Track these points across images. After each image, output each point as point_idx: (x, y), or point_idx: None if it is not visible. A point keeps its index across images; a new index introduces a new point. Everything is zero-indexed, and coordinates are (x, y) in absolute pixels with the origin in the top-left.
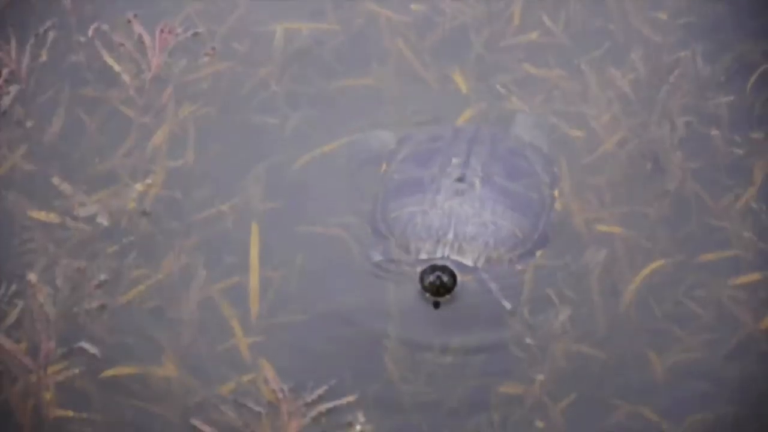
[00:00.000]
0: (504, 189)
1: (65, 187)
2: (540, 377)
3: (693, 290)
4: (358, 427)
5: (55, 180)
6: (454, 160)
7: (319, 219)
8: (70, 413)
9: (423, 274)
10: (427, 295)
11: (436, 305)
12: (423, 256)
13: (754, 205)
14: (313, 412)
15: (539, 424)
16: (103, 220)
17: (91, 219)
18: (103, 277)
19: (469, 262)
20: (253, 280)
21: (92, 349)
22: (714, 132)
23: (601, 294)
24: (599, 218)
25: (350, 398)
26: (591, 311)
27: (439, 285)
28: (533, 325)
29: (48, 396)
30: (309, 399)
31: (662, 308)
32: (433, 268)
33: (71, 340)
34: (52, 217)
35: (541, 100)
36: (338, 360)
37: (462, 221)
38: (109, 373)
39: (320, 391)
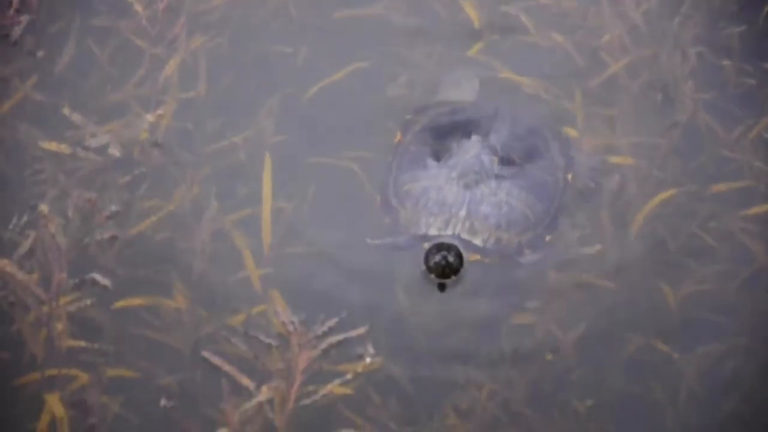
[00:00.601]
0: (521, 170)
1: (76, 118)
2: (549, 308)
3: (705, 222)
4: (368, 359)
5: (66, 110)
6: (474, 136)
7: (331, 151)
8: (82, 343)
9: (428, 254)
10: (432, 276)
11: (442, 287)
12: (432, 231)
13: (767, 136)
14: (324, 345)
15: (548, 356)
16: (115, 151)
17: (102, 149)
18: (114, 208)
19: (478, 242)
20: (266, 211)
21: (104, 281)
22: (726, 62)
23: (612, 225)
24: (610, 149)
25: (360, 330)
26: (602, 242)
27: (445, 265)
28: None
29: (60, 326)
30: (319, 331)
31: (674, 240)
32: (439, 248)
33: (83, 271)
34: (63, 148)
35: (554, 30)
36: (349, 292)
37: (477, 199)
38: (121, 303)
39: (331, 323)
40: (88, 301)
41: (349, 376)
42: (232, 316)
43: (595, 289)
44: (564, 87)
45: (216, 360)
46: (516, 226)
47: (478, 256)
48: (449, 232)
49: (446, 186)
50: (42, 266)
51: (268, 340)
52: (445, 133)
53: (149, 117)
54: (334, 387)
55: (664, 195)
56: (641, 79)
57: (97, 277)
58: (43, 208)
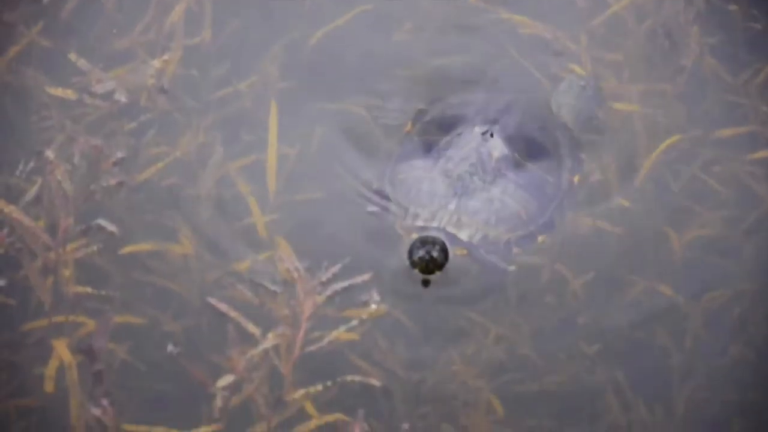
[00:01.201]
0: (520, 167)
1: (82, 64)
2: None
3: (710, 166)
4: (373, 306)
5: (72, 56)
6: (477, 129)
7: (336, 97)
8: (89, 289)
9: (412, 248)
10: (416, 271)
11: (426, 283)
12: (419, 222)
13: None
14: (329, 291)
15: (550, 299)
16: (121, 97)
17: (108, 95)
18: (120, 154)
19: (464, 237)
20: (271, 158)
21: (110, 227)
22: (732, 7)
23: (618, 169)
24: (617, 96)
25: (365, 276)
26: (607, 187)
27: (429, 260)
28: None
29: (67, 273)
30: (324, 278)
31: (679, 184)
32: (423, 242)
33: (89, 217)
34: (70, 94)
35: None
36: (355, 238)
37: (468, 193)
38: (127, 249)
39: (335, 269)
40: (95, 248)
41: (354, 323)
42: (238, 262)
43: (600, 233)
44: (569, 30)
45: (222, 307)
46: (506, 223)
47: (464, 251)
48: (435, 224)
49: (440, 177)
50: (48, 213)
51: (273, 287)
52: (452, 124)
53: (155, 63)
54: (340, 333)
55: (669, 140)
56: (646, 24)
57: (104, 223)
58: (50, 154)
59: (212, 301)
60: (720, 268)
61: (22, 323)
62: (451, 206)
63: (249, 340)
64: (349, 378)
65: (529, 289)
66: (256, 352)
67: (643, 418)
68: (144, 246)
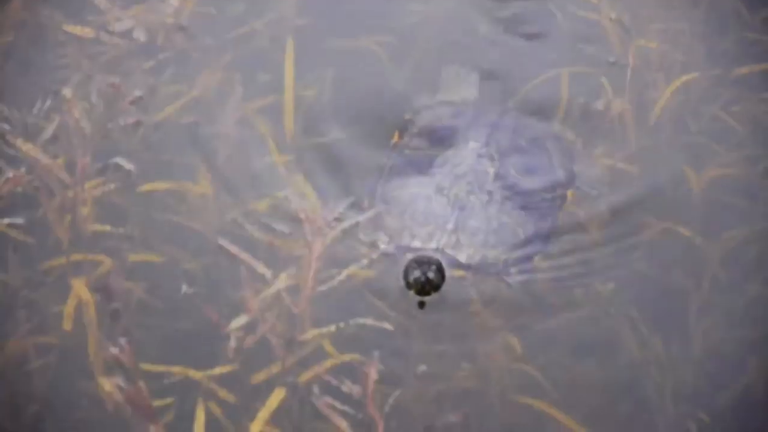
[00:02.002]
0: (517, 184)
1: (100, 2)
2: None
3: (729, 105)
4: (381, 246)
5: None
6: (472, 144)
7: (353, 34)
8: (107, 228)
9: (407, 270)
10: (411, 292)
11: (422, 305)
12: (416, 243)
13: None
14: (337, 231)
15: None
16: (139, 35)
17: (126, 34)
18: (138, 93)
19: (462, 259)
20: (288, 98)
21: (128, 165)
22: None
23: (634, 107)
24: (635, 34)
25: (371, 213)
26: (623, 124)
27: (425, 282)
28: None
29: (85, 211)
30: (332, 217)
31: (697, 123)
32: (419, 263)
33: (107, 155)
34: (87, 32)
35: None
36: (372, 180)
37: (466, 213)
38: (145, 188)
39: (342, 207)
40: (113, 186)
41: (365, 262)
42: (256, 201)
43: (616, 172)
44: None
45: (233, 248)
46: (504, 243)
47: (462, 272)
48: (433, 245)
49: (435, 196)
50: (66, 151)
51: (284, 228)
52: (443, 137)
53: (173, 1)
54: (351, 271)
55: (687, 77)
56: None
57: (121, 161)
58: (67, 92)
59: (223, 242)
60: (738, 207)
61: (41, 261)
62: (449, 226)
63: (262, 280)
64: (361, 320)
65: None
66: (268, 292)
67: (659, 356)
68: (162, 185)
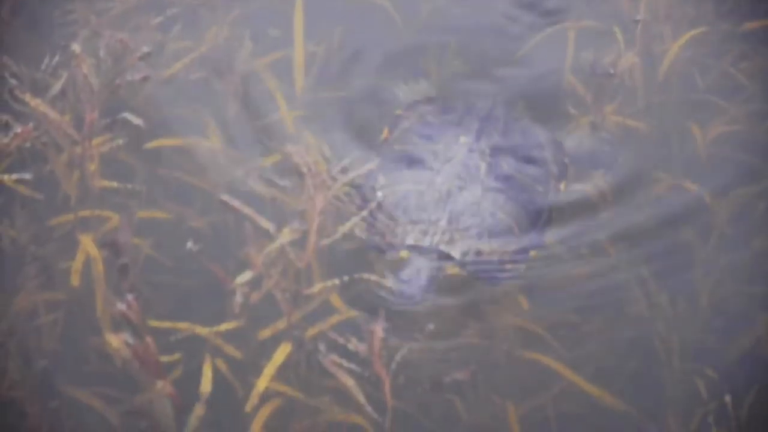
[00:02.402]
0: (510, 177)
1: None
2: None
3: (737, 61)
4: (379, 194)
5: None
6: (462, 139)
7: None
8: (115, 184)
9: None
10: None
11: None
12: (410, 241)
13: None
14: (340, 184)
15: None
16: None
17: None
18: (146, 49)
19: (457, 255)
20: (298, 53)
21: (136, 121)
22: None
23: (641, 62)
24: None
25: (371, 165)
26: (630, 80)
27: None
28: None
29: (93, 167)
30: (334, 171)
31: (704, 79)
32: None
33: (115, 111)
34: None
35: None
36: (378, 135)
37: (459, 208)
38: (153, 144)
39: (345, 162)
40: (120, 142)
41: (366, 214)
42: (264, 157)
43: (624, 128)
44: None
45: (236, 203)
46: (499, 238)
47: (456, 270)
48: (426, 242)
49: (428, 192)
50: (74, 107)
51: (287, 182)
52: (434, 133)
53: None
54: (353, 225)
55: (695, 32)
56: None
57: (129, 117)
58: (75, 48)
59: (225, 198)
60: (745, 163)
61: (49, 217)
62: (443, 222)
63: (265, 235)
64: (366, 276)
65: None
66: (272, 247)
67: (666, 312)
68: (170, 141)
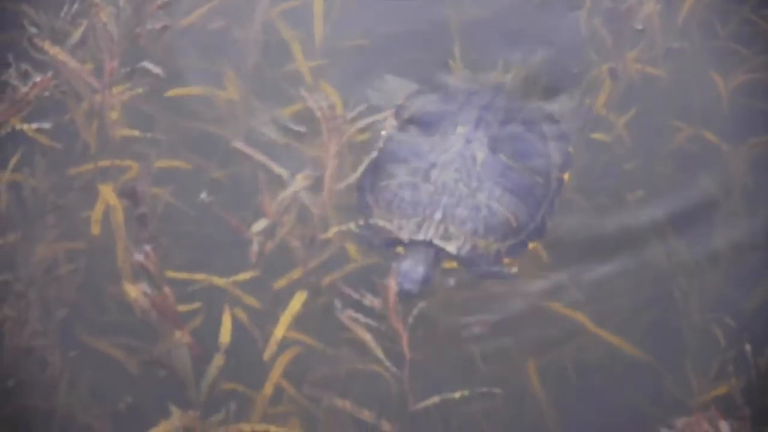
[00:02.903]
0: (508, 169)
1: None
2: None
3: (759, 7)
4: (383, 133)
5: None
6: (460, 129)
7: None
8: (135, 133)
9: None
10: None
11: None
12: (404, 235)
13: None
14: (354, 129)
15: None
16: None
17: None
18: None
19: (452, 250)
20: (317, 2)
21: (155, 69)
22: None
23: (659, 8)
24: None
25: (387, 113)
26: (649, 25)
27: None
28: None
29: (113, 116)
30: (349, 116)
31: (725, 26)
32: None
33: (134, 60)
34: None
35: None
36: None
37: (453, 201)
38: (173, 93)
39: (360, 108)
40: (140, 90)
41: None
42: (282, 107)
43: (646, 78)
44: None
45: (250, 151)
46: (495, 232)
47: (454, 264)
48: (421, 236)
49: (423, 184)
50: (94, 55)
51: (302, 128)
52: (433, 122)
53: None
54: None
55: None
56: None
57: (149, 65)
58: None
59: (239, 145)
60: (765, 113)
61: (69, 167)
62: (437, 216)
63: (278, 182)
64: (381, 222)
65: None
66: (286, 194)
67: (685, 262)
68: (189, 90)
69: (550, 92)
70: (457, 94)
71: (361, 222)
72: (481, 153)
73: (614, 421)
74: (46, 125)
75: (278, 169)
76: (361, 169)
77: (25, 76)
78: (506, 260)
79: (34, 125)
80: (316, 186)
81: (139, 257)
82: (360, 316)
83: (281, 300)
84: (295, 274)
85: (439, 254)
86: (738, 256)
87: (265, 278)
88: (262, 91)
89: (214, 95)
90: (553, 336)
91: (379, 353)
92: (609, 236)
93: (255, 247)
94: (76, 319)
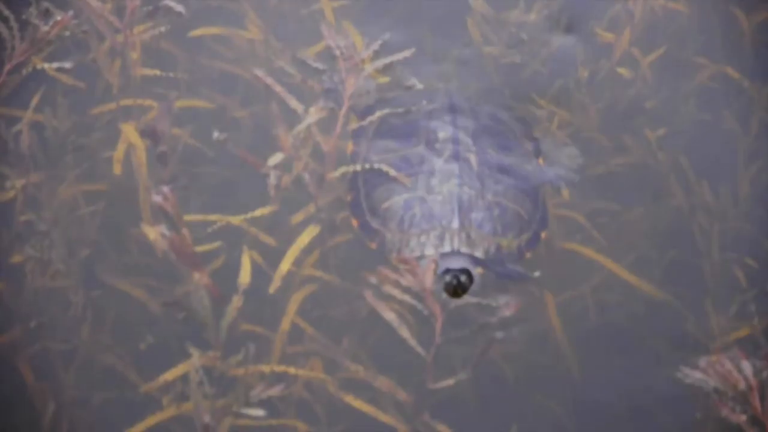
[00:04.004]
0: (500, 164)
1: None
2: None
3: None
4: (417, 84)
5: None
6: (441, 134)
7: None
8: (157, 72)
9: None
10: (444, 296)
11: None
12: (429, 251)
13: None
14: (371, 69)
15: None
16: None
17: None
18: None
19: (480, 254)
20: None
21: (177, 8)
22: None
23: None
24: None
25: (407, 53)
26: None
27: (456, 285)
28: None
29: (134, 55)
30: (365, 55)
31: None
32: (448, 268)
33: None
34: None
35: None
36: (420, 21)
37: (465, 206)
38: (195, 33)
39: (376, 45)
40: (162, 29)
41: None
42: (303, 48)
43: (669, 13)
44: None
45: (268, 80)
46: (512, 228)
47: (480, 269)
48: (447, 248)
49: (429, 196)
50: None
51: (320, 65)
52: (405, 135)
53: None
54: (382, 114)
55: None
56: None
57: (171, 3)
58: None
59: (259, 73)
60: None
61: (91, 107)
62: (455, 224)
63: (294, 116)
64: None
65: (600, 68)
66: (301, 127)
67: (707, 201)
68: (211, 30)
69: (572, 28)
70: (418, 101)
71: (375, 246)
72: (471, 154)
73: (634, 361)
74: (68, 65)
75: (294, 103)
76: (379, 114)
77: (46, 15)
78: (527, 254)
79: (55, 65)
80: (329, 124)
81: (157, 198)
82: (397, 293)
83: (297, 237)
84: (312, 208)
85: (470, 262)
86: (760, 195)
87: (282, 214)
88: (283, 30)
89: (235, 35)
90: (573, 275)
91: (405, 332)
92: (630, 176)
93: (272, 180)
94: (98, 259)
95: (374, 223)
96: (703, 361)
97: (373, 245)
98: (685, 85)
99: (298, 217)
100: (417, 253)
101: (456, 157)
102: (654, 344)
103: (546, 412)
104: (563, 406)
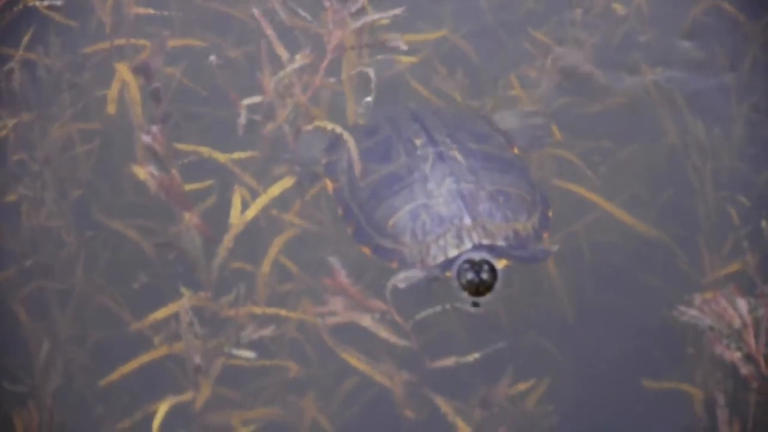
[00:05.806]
0: (484, 154)
1: None
2: None
3: None
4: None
5: None
6: (417, 141)
7: None
8: (150, 11)
9: (459, 271)
10: (465, 294)
11: (476, 305)
12: (452, 253)
13: None
14: (358, 23)
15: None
16: None
17: None
18: None
19: (502, 243)
20: None
21: None
22: None
23: None
24: None
25: (397, 10)
26: None
27: (479, 283)
28: None
29: None
30: (354, 8)
31: None
32: (471, 264)
33: None
34: None
35: None
36: None
37: (469, 201)
38: None
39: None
40: None
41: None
42: None
43: None
44: None
45: (263, 21)
46: (520, 212)
47: (505, 261)
48: (468, 245)
49: (431, 201)
50: None
51: (306, 15)
52: (382, 154)
53: None
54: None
55: None
56: None
57: None
58: None
59: (256, 12)
60: None
61: (84, 45)
62: (467, 221)
63: (278, 62)
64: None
65: (595, 4)
66: (285, 72)
67: (700, 140)
68: None
69: None
70: (377, 120)
71: (396, 265)
72: (454, 150)
73: (628, 300)
74: (59, 2)
75: (280, 50)
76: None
77: None
78: (545, 234)
79: (46, 2)
80: (309, 74)
81: (146, 138)
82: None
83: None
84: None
85: (492, 250)
86: (753, 133)
87: (264, 160)
88: None
89: None
90: (567, 214)
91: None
92: (623, 114)
93: (242, 120)
94: (91, 199)
95: (387, 244)
96: (698, 299)
97: (394, 264)
98: (678, 19)
99: (281, 169)
100: (441, 258)
101: (441, 157)
102: (648, 283)
103: (541, 353)
104: (558, 347)
